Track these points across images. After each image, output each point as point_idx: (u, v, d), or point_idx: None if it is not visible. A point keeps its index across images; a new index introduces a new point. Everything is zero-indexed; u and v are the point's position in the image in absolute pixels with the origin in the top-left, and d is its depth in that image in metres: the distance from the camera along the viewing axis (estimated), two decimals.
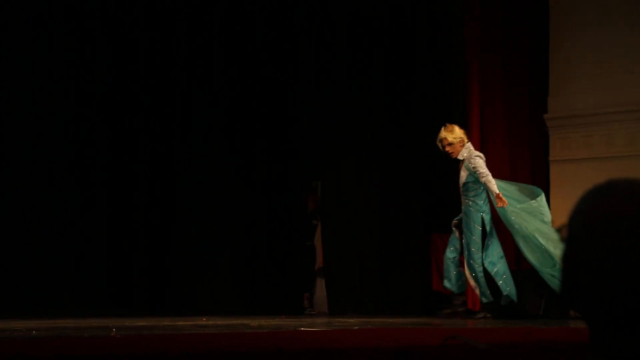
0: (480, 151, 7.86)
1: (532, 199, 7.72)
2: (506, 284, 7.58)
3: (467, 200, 7.66)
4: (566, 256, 1.61)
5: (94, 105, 9.91)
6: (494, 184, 7.51)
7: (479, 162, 7.55)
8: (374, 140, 9.32)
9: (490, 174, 7.54)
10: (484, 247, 7.60)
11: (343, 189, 9.33)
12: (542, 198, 7.72)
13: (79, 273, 9.63)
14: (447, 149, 7.65)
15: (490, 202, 7.69)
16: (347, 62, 9.40)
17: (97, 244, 9.74)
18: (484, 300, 7.66)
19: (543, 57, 8.86)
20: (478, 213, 7.62)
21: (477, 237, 7.58)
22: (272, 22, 9.85)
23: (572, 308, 1.59)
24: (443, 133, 7.64)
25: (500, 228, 7.82)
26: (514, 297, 7.62)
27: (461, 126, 7.83)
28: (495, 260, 7.62)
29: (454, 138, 7.61)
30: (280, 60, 9.83)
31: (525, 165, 8.83)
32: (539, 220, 7.60)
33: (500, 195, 7.49)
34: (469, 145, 7.69)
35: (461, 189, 7.70)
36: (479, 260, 7.57)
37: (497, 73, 8.82)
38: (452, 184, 8.09)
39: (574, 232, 1.61)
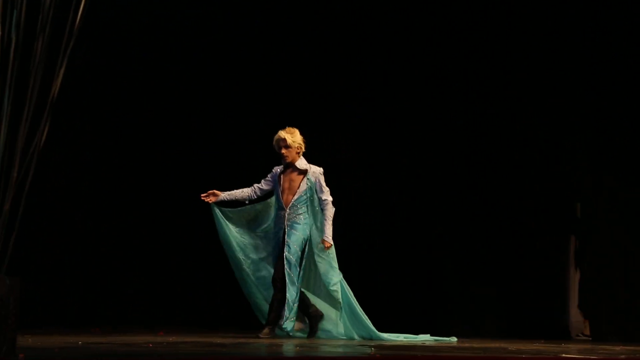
0: None
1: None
2: (294, 311, 7.29)
3: (297, 215, 7.41)
4: None
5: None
6: (332, 211, 7.37)
7: (323, 180, 7.42)
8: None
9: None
10: (300, 266, 7.42)
11: (604, 209, 8.96)
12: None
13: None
14: (283, 151, 7.38)
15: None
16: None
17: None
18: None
19: None
20: (306, 229, 7.40)
21: (300, 250, 7.38)
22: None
23: None
24: (282, 134, 7.39)
25: None
26: (290, 331, 7.29)
27: None
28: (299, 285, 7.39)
29: (293, 141, 7.37)
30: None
31: None
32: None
33: (329, 240, 7.37)
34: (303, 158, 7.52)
35: (292, 202, 7.41)
36: (297, 273, 7.35)
37: None
38: None
39: None
